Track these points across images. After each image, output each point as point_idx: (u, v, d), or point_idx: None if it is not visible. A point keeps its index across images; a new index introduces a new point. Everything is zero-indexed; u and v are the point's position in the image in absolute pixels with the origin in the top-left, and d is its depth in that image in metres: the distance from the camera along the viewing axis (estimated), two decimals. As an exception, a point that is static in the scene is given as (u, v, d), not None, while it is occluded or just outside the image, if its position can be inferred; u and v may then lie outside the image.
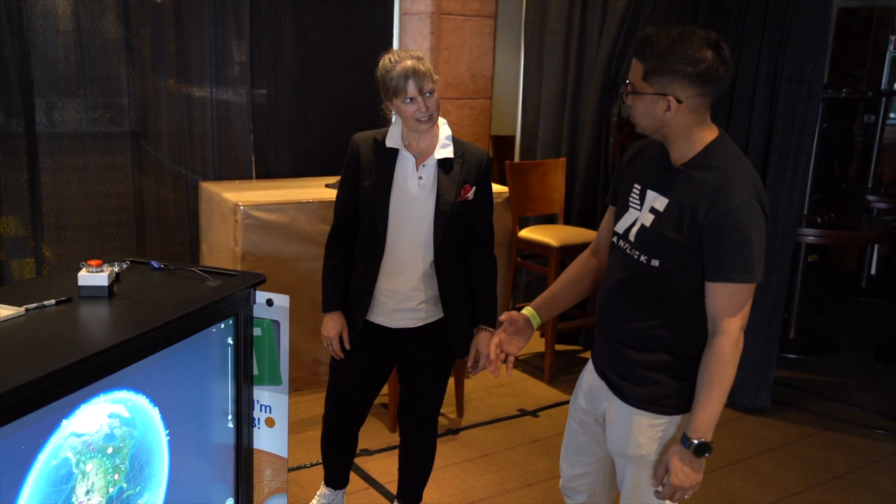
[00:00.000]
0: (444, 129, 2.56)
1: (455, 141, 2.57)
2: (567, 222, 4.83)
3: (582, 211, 4.87)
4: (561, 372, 4.56)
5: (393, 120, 2.59)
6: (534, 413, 4.06)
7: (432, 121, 2.47)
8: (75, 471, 1.85)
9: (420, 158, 2.53)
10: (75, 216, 4.09)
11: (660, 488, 2.00)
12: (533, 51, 5.23)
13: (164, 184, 4.33)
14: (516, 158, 5.43)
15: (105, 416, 1.95)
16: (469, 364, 2.66)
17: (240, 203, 3.83)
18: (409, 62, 2.41)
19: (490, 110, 5.50)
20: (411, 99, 2.42)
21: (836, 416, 4.20)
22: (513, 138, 5.60)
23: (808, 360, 5.01)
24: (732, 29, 4.11)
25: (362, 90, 5.08)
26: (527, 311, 2.22)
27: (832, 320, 5.80)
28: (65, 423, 1.81)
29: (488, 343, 2.44)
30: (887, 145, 6.98)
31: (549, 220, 4.94)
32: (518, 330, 2.21)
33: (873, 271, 6.74)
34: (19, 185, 3.99)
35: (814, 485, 3.50)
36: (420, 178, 2.52)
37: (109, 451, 1.96)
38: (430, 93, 2.43)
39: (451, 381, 4.06)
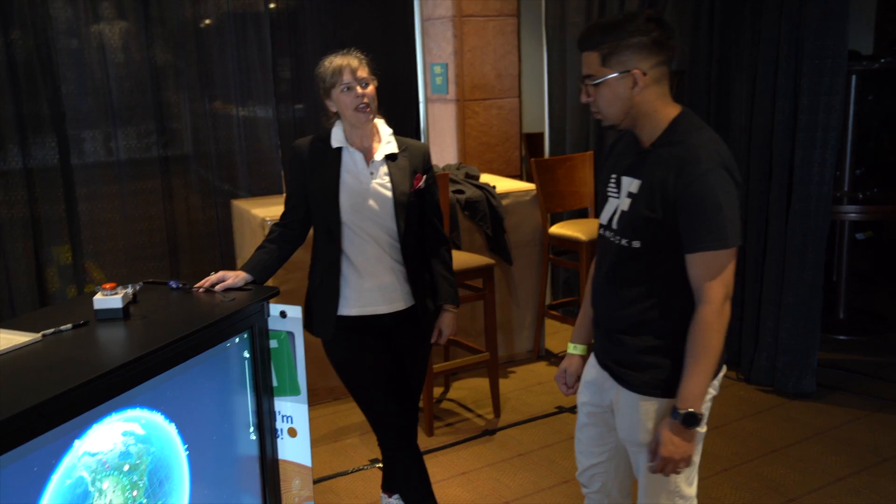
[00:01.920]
0: (384, 128, 2.66)
1: (396, 137, 2.68)
2: (599, 216, 4.79)
3: (613, 203, 4.82)
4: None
5: (334, 123, 2.66)
6: (571, 410, 4.04)
7: (371, 110, 2.55)
8: (91, 489, 1.91)
9: (367, 155, 2.62)
10: (112, 241, 4.24)
11: (653, 463, 2.00)
12: (555, 46, 5.21)
13: (194, 204, 4.44)
14: (546, 155, 5.41)
15: (119, 434, 2.01)
16: (433, 340, 2.78)
17: (266, 218, 3.90)
18: (341, 57, 2.55)
19: (519, 109, 5.50)
20: (348, 87, 2.51)
21: (887, 396, 4.07)
22: (543, 135, 5.58)
23: (857, 340, 4.87)
24: (750, 8, 4.03)
25: (388, 98, 5.16)
26: (577, 349, 2.31)
27: (885, 298, 5.63)
28: (77, 443, 1.88)
29: (451, 323, 2.75)
30: (937, 114, 6.71)
31: (580, 214, 4.91)
32: (579, 369, 2.30)
33: (931, 245, 6.50)
34: (58, 215, 4.15)
35: (860, 469, 3.40)
36: (371, 173, 2.60)
37: (126, 468, 2.03)
38: (365, 82, 2.54)
39: (486, 381, 4.10)
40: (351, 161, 2.61)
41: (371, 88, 2.55)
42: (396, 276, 2.65)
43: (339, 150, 2.62)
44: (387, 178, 2.61)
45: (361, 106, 2.53)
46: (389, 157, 2.63)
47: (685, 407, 1.92)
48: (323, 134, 2.67)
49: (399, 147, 2.65)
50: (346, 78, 2.52)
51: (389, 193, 2.59)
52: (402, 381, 2.75)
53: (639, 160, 2.00)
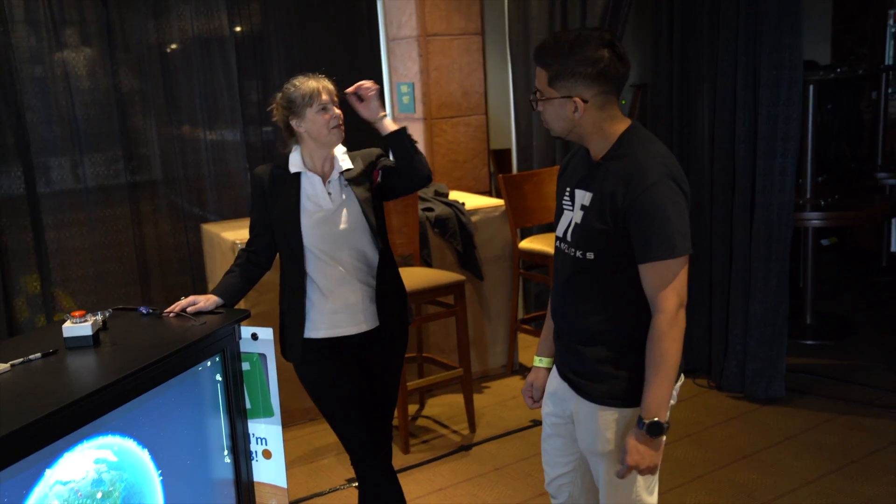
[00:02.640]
0: (338, 149, 2.71)
1: (348, 153, 2.74)
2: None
3: (582, 216, 4.87)
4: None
5: (292, 149, 2.68)
6: (546, 422, 4.06)
7: (343, 130, 2.63)
8: (64, 518, 1.91)
9: (324, 178, 2.65)
10: (80, 268, 4.21)
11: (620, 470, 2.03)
12: (520, 63, 5.27)
13: (164, 229, 4.43)
14: (513, 171, 5.47)
15: (91, 462, 2.01)
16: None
17: (237, 241, 3.91)
18: (315, 80, 2.61)
19: (486, 125, 5.55)
20: (324, 107, 2.57)
21: (855, 399, 4.14)
22: (510, 151, 5.64)
23: (825, 344, 4.95)
24: (707, 23, 4.13)
25: (355, 117, 5.19)
26: (542, 362, 2.34)
27: (851, 302, 5.73)
28: (48, 472, 1.87)
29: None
30: (894, 121, 6.88)
31: (549, 228, 4.96)
32: (545, 382, 2.32)
33: (893, 248, 6.64)
34: (26, 244, 4.11)
35: (831, 471, 3.46)
36: (329, 193, 2.63)
37: (99, 495, 2.02)
38: (337, 104, 2.62)
39: (461, 397, 4.11)
40: (310, 185, 2.64)
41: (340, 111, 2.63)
42: (362, 296, 2.66)
43: (298, 175, 2.65)
44: (347, 191, 2.65)
45: (336, 125, 2.60)
46: (345, 174, 2.68)
47: (649, 416, 1.94)
48: (281, 160, 2.69)
49: (352, 161, 2.71)
50: (324, 98, 2.57)
51: (355, 202, 2.63)
52: (374, 400, 2.76)
53: (590, 173, 2.04)
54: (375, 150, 2.79)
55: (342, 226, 2.62)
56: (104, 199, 4.31)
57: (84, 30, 4.23)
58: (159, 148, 4.44)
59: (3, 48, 4.00)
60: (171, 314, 2.57)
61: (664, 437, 2.01)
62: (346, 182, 2.66)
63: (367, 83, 2.63)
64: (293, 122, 2.62)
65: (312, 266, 2.63)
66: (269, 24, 4.80)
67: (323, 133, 2.59)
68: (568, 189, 2.12)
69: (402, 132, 2.66)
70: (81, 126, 4.21)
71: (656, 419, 1.94)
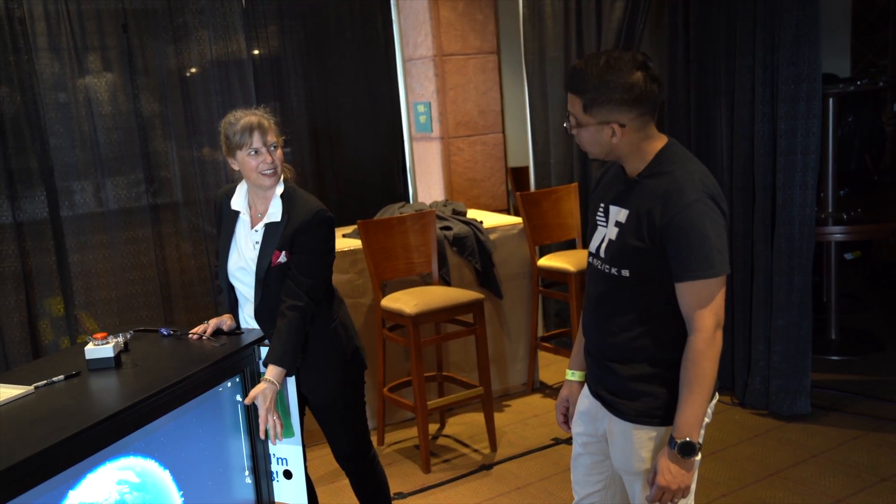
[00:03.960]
0: (278, 189, 2.56)
1: (289, 198, 2.55)
2: (586, 246, 4.82)
3: (600, 233, 4.86)
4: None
5: (240, 182, 2.64)
6: (568, 441, 4.03)
7: (276, 175, 2.51)
8: (86, 539, 1.91)
9: (256, 221, 2.58)
10: (103, 291, 4.25)
11: (650, 493, 2.00)
12: (536, 81, 5.28)
13: (185, 251, 4.47)
14: (531, 188, 5.47)
15: (113, 483, 2.02)
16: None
17: (257, 262, 3.93)
18: (253, 117, 2.48)
19: (504, 144, 5.57)
20: (256, 151, 2.46)
21: (883, 415, 4.07)
22: (528, 169, 5.64)
23: (851, 360, 4.88)
24: (724, 36, 4.12)
25: (373, 138, 5.24)
26: (574, 376, 2.29)
27: (876, 317, 5.65)
28: (71, 493, 1.88)
29: (264, 394, 2.44)
30: (916, 132, 6.82)
31: (568, 245, 4.95)
32: (577, 395, 2.29)
33: (919, 262, 6.55)
34: (49, 267, 4.17)
35: (859, 489, 3.40)
36: (256, 242, 2.56)
37: (121, 517, 2.03)
38: (274, 146, 2.49)
39: (482, 416, 4.09)
40: (241, 225, 2.61)
41: (279, 153, 2.51)
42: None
43: (238, 212, 2.62)
44: (258, 250, 2.56)
45: (268, 171, 2.48)
46: (269, 226, 2.55)
47: (682, 436, 1.92)
48: (231, 190, 2.66)
49: (283, 213, 2.54)
50: (256, 143, 2.46)
51: (254, 266, 2.56)
52: (328, 432, 2.79)
53: (626, 190, 2.03)
54: (306, 215, 2.53)
55: (249, 275, 2.59)
56: (126, 221, 4.36)
57: (105, 56, 4.30)
58: (180, 170, 4.49)
59: (28, 75, 4.08)
60: (195, 336, 2.59)
61: (698, 458, 1.99)
62: (263, 237, 2.55)
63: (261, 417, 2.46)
64: (229, 160, 2.56)
65: (240, 299, 2.70)
66: (287, 47, 4.86)
67: (252, 177, 2.50)
68: (602, 205, 2.10)
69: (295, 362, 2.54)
70: (103, 150, 4.27)
71: (688, 439, 1.91)
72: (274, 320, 2.52)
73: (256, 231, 2.56)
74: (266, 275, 2.53)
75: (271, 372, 2.45)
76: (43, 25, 4.10)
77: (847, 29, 7.74)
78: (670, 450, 1.94)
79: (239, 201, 2.62)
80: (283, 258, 2.53)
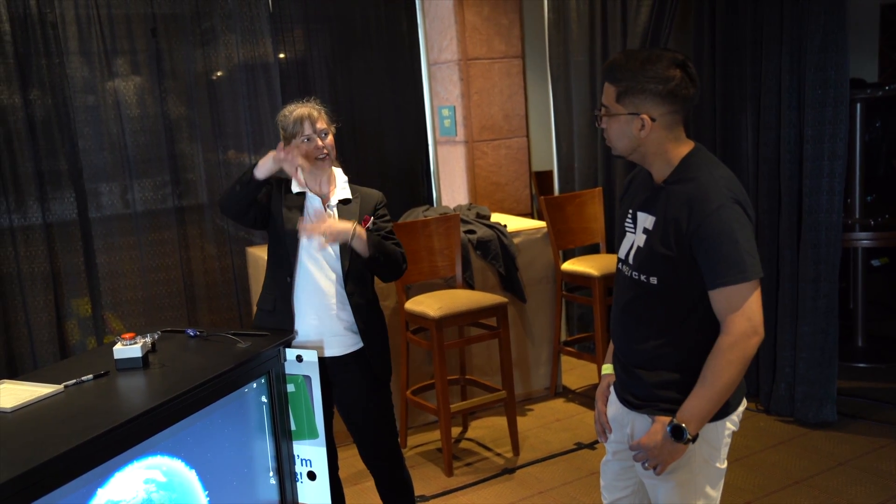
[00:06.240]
0: (340, 175, 2.82)
1: (351, 185, 2.82)
2: (610, 251, 4.82)
3: (624, 238, 4.84)
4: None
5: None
6: (591, 446, 4.02)
7: (329, 158, 2.71)
8: (114, 537, 1.94)
9: (324, 200, 2.75)
10: (130, 291, 4.29)
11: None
12: (560, 85, 5.28)
13: (210, 253, 4.51)
14: (555, 192, 5.46)
15: (141, 481, 2.04)
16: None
17: (281, 264, 3.95)
18: (304, 109, 2.71)
19: (528, 148, 5.56)
20: (308, 138, 2.67)
21: (910, 424, 4.03)
22: (552, 173, 5.63)
23: (878, 367, 4.82)
24: (750, 41, 4.09)
25: (397, 141, 5.25)
26: (611, 369, 2.27)
27: (904, 324, 5.59)
28: (100, 491, 1.91)
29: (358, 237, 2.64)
30: (946, 138, 6.71)
31: (592, 249, 4.93)
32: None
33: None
34: (77, 268, 4.22)
35: (886, 499, 3.36)
36: (329, 215, 2.71)
37: (148, 515, 2.05)
38: (325, 133, 2.70)
39: (504, 420, 4.09)
40: (311, 204, 2.74)
41: (330, 139, 2.71)
42: (342, 316, 2.72)
43: (303, 193, 2.75)
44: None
45: (321, 157, 2.68)
46: (343, 202, 2.76)
47: (680, 420, 1.94)
48: (286, 176, 2.78)
49: (352, 193, 2.79)
50: (307, 130, 2.67)
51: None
52: (362, 430, 2.87)
53: (652, 196, 2.03)
54: (376, 196, 2.84)
55: (330, 250, 2.70)
56: (152, 223, 4.41)
57: (134, 59, 4.35)
58: (205, 172, 4.53)
59: (59, 79, 4.14)
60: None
61: (718, 465, 2.00)
62: (340, 211, 2.74)
63: (316, 231, 2.59)
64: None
65: (302, 282, 2.74)
66: (313, 50, 4.89)
67: (309, 161, 2.68)
68: (630, 211, 2.11)
69: (374, 256, 2.66)
70: (131, 152, 4.32)
71: (683, 426, 1.93)
72: (360, 282, 2.72)
73: (329, 206, 2.73)
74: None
75: (359, 230, 2.62)
76: (74, 29, 4.16)
77: (875, 33, 7.65)
78: (665, 427, 1.96)
79: (297, 186, 2.75)
80: (370, 224, 2.75)
